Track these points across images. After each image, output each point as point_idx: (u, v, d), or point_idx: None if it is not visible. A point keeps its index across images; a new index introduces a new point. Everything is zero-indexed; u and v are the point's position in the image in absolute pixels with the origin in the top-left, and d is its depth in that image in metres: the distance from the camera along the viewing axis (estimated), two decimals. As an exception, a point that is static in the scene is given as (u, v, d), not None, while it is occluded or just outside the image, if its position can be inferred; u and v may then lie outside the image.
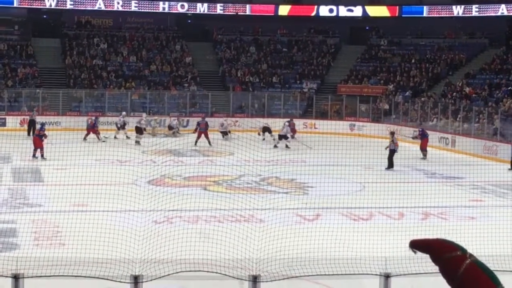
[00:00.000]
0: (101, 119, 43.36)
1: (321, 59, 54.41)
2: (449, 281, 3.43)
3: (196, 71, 52.43)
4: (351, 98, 47.21)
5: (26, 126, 40.74)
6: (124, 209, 16.30)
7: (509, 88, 43.74)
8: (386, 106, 46.02)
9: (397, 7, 54.67)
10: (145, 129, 39.25)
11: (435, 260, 3.48)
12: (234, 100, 48.81)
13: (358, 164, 26.42)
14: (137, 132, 37.79)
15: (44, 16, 55.95)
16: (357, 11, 55.27)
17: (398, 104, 45.20)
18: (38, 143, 30.09)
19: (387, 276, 10.76)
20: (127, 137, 38.65)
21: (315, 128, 43.31)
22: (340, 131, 37.72)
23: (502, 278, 12.24)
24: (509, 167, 29.75)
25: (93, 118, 39.01)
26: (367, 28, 57.55)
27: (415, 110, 43.62)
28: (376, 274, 11.03)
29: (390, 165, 28.77)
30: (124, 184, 19.75)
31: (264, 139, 38.22)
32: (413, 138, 35.26)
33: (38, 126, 34.25)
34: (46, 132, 30.86)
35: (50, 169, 25.22)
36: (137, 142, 36.55)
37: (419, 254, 4.32)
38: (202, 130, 37.45)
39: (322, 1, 55.48)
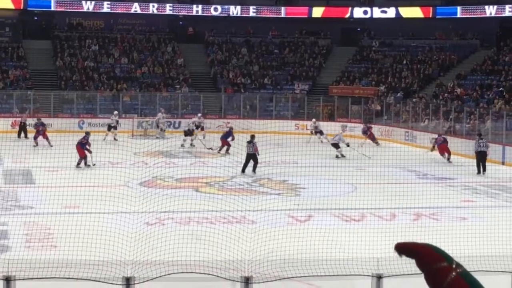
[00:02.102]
0: (93, 121, 43.35)
1: (313, 60, 54.45)
2: None
3: (188, 73, 52.40)
4: (342, 99, 47.24)
5: (17, 128, 40.57)
6: (116, 211, 16.27)
7: (500, 89, 43.87)
8: (378, 107, 46.08)
9: (431, 8, 54.35)
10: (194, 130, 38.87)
11: (420, 267, 3.43)
12: (226, 101, 48.79)
13: (350, 165, 26.44)
14: (186, 135, 37.46)
15: (35, 18, 55.83)
16: (391, 13, 55.04)
17: (390, 105, 45.26)
18: (81, 153, 28.69)
19: (379, 277, 10.78)
20: (115, 139, 38.26)
21: (307, 129, 43.29)
22: (332, 132, 37.73)
23: (494, 278, 12.27)
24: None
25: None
26: (358, 29, 57.62)
27: (406, 111, 43.68)
28: (368, 275, 11.05)
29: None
30: (115, 186, 19.72)
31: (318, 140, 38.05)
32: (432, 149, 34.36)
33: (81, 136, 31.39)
34: (90, 141, 29.59)
35: (41, 171, 25.15)
36: (192, 145, 36.98)
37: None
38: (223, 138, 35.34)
39: (356, 3, 55.63)
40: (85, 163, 28.71)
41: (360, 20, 56.65)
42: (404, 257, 3.81)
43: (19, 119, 41.43)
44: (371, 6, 55.24)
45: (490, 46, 52.02)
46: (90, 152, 28.59)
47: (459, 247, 13.01)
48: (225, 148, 33.83)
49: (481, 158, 29.01)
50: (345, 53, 55.29)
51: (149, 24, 56.41)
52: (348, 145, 32.99)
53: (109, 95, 48.17)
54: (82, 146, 28.77)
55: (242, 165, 27.57)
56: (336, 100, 47.40)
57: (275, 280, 11.65)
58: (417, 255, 3.41)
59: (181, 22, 57.22)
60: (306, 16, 56.24)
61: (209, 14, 55.50)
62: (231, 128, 35.21)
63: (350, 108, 46.38)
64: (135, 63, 52.71)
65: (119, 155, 28.35)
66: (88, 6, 54.01)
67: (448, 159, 32.55)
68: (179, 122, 45.13)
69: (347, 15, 55.94)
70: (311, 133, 40.10)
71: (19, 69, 50.13)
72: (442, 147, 33.06)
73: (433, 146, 33.93)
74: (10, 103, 46.21)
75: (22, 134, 39.40)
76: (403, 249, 3.47)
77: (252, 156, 27.59)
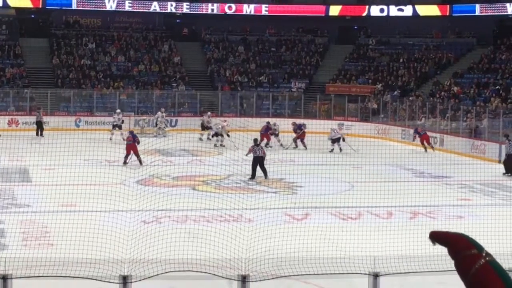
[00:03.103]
0: (90, 119, 43.33)
1: (310, 58, 54.46)
2: (462, 279, 3.42)
3: (185, 71, 52.39)
4: (339, 97, 47.26)
5: (35, 126, 40.36)
6: (112, 209, 16.26)
7: (497, 87, 43.92)
8: (375, 106, 46.10)
9: (448, 6, 54.01)
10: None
11: (452, 255, 3.47)
12: (223, 99, 48.78)
13: (346, 163, 26.44)
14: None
15: (32, 16, 55.78)
16: (408, 11, 54.77)
17: (387, 104, 45.28)
18: (131, 149, 28.85)
19: (376, 275, 10.79)
20: (124, 139, 37.74)
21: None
22: (329, 131, 37.72)
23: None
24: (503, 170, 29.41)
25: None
26: (355, 27, 57.63)
27: (403, 110, 43.70)
28: (365, 273, 11.05)
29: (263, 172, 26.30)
30: (112, 184, 19.71)
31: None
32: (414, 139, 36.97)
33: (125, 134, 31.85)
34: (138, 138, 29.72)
35: (38, 169, 25.13)
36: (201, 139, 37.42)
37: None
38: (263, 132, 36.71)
39: (373, 1, 55.37)
40: (140, 161, 28.60)
41: (357, 19, 56.64)
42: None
43: (34, 117, 41.31)
44: (387, 4, 54.97)
45: (487, 44, 52.06)
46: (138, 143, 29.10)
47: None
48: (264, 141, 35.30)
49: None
50: (342, 51, 55.30)
51: (146, 22, 56.41)
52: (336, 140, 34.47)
53: (106, 93, 48.07)
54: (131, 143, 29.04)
55: (251, 171, 25.77)
56: (333, 98, 47.42)
57: (272, 278, 11.66)
58: (449, 243, 3.44)
59: (178, 20, 57.19)
60: (324, 15, 56.20)
61: (206, 12, 55.42)
62: (268, 123, 37.32)
63: (347, 106, 46.39)
64: (132, 61, 52.68)
65: (116, 153, 28.38)
66: (110, 5, 54.06)
67: (425, 148, 34.40)
68: (176, 120, 45.14)
69: (364, 13, 55.64)
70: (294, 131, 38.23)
71: (16, 67, 50.07)
72: (424, 137, 35.77)
73: (414, 137, 36.47)
74: (7, 101, 46.19)
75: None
76: (437, 237, 3.51)
77: (259, 159, 25.99)
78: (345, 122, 42.97)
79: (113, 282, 10.89)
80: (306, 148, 35.33)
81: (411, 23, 54.60)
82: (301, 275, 11.85)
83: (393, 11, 55.10)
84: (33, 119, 41.72)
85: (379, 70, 51.84)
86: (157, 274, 11.31)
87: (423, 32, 54.75)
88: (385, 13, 55.24)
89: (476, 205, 22.00)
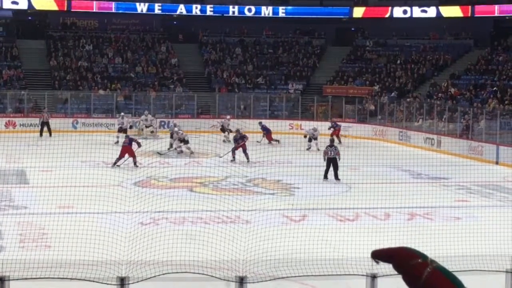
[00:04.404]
0: (87, 120, 43.28)
1: (307, 60, 54.47)
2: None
3: (182, 73, 52.36)
4: (336, 99, 47.28)
5: (35, 128, 40.72)
6: (110, 211, 16.26)
7: (494, 88, 43.93)
8: (372, 107, 46.11)
9: (469, 6, 53.48)
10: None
11: (397, 268, 3.51)
12: (220, 101, 48.77)
13: (344, 165, 26.45)
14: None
15: (29, 18, 55.73)
16: (431, 12, 54.44)
17: (384, 105, 45.30)
18: (127, 152, 28.87)
19: (373, 277, 10.79)
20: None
21: (301, 129, 43.30)
22: (327, 132, 37.78)
23: (487, 277, 12.27)
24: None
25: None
26: (352, 29, 57.65)
27: (400, 111, 43.74)
28: (363, 275, 11.05)
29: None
30: (110, 185, 19.70)
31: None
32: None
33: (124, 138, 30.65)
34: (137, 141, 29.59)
35: (35, 171, 25.12)
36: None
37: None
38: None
39: (396, 2, 55.07)
40: (135, 163, 28.59)
41: (354, 20, 56.65)
42: (381, 263, 3.84)
43: (39, 119, 41.42)
44: (411, 6, 54.72)
45: (484, 46, 52.07)
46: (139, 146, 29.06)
47: (453, 247, 13.05)
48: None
49: None
50: (339, 53, 55.32)
51: (143, 24, 56.40)
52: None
53: (103, 95, 48.02)
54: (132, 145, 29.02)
55: (324, 171, 26.29)
56: (330, 100, 47.45)
57: (270, 280, 11.66)
58: (393, 257, 3.48)
59: (175, 22, 57.18)
60: (348, 17, 56.16)
61: (203, 14, 55.41)
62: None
63: (344, 108, 46.42)
64: (129, 63, 52.65)
65: (114, 156, 28.39)
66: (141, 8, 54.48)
67: (339, 141, 36.48)
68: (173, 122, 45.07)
69: (387, 15, 55.31)
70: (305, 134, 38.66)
71: (13, 69, 50.01)
72: (338, 131, 38.65)
73: (330, 127, 39.12)
74: (4, 103, 46.16)
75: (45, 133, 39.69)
76: (379, 255, 3.54)
77: (333, 160, 26.29)
78: (343, 124, 43.00)
79: (110, 284, 10.88)
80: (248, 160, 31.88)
81: (408, 24, 54.54)
82: (299, 276, 11.85)
83: (416, 12, 54.62)
84: (31, 121, 41.82)
85: (376, 72, 51.86)
86: (155, 276, 11.31)
87: (420, 33, 54.77)
88: (408, 15, 54.77)
89: (473, 207, 22.03)
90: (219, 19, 55.55)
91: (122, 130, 37.70)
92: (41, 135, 39.34)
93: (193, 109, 47.22)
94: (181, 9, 54.95)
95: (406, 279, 3.47)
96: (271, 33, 56.88)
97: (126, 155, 28.77)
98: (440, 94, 45.63)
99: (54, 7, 53.49)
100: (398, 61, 52.57)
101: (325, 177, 26.11)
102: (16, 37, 53.63)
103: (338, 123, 40.52)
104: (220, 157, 30.90)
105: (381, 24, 55.08)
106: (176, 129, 35.55)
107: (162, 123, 44.85)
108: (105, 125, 43.52)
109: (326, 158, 26.53)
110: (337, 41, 57.47)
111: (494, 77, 46.24)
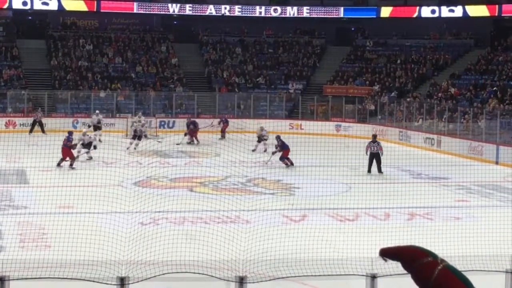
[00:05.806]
0: (87, 120, 43.20)
1: (307, 60, 54.47)
2: (422, 287, 3.46)
3: (182, 72, 52.36)
4: (337, 98, 47.28)
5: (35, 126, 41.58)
6: (110, 210, 16.27)
7: (494, 88, 43.91)
8: (372, 107, 46.11)
9: (496, 6, 52.79)
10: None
11: (406, 267, 3.49)
12: (220, 101, 48.76)
13: (344, 165, 26.44)
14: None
15: (29, 18, 55.72)
16: (458, 11, 53.87)
17: (384, 105, 45.30)
18: (66, 154, 28.32)
19: (373, 277, 10.79)
20: (100, 141, 36.22)
21: (301, 129, 43.33)
22: (326, 132, 37.79)
23: (487, 278, 12.27)
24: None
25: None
26: (352, 29, 57.64)
27: (400, 111, 43.74)
28: (363, 275, 11.05)
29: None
30: (110, 185, 19.69)
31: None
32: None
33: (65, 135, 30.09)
34: (74, 142, 29.22)
35: (35, 170, 25.12)
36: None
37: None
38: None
39: (425, 2, 54.68)
40: (71, 165, 28.23)
41: (354, 20, 56.64)
42: (389, 261, 3.83)
43: (32, 118, 42.28)
44: (439, 5, 54.44)
45: (484, 45, 52.06)
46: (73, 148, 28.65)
47: (453, 247, 13.04)
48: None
49: None
50: (339, 52, 55.30)
51: (143, 24, 56.37)
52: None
53: (101, 96, 48.01)
54: (68, 148, 28.52)
55: (367, 166, 28.02)
56: (330, 99, 47.44)
57: (270, 280, 11.65)
58: (402, 256, 3.47)
59: (175, 22, 57.16)
60: (375, 17, 55.97)
61: (204, 13, 55.40)
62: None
63: (344, 107, 46.42)
64: (129, 62, 52.64)
65: (113, 155, 28.38)
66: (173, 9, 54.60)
67: (223, 137, 39.03)
68: (173, 122, 45.11)
69: (415, 15, 54.98)
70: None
71: (13, 68, 50.01)
72: (225, 126, 40.35)
73: (219, 123, 40.98)
74: (4, 102, 46.16)
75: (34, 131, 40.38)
76: (388, 253, 3.53)
77: (375, 155, 28.06)
78: (343, 123, 42.99)
79: (110, 284, 10.87)
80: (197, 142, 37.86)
81: (408, 24, 54.51)
82: (299, 276, 11.83)
83: (445, 12, 54.22)
84: (31, 120, 41.93)
85: (376, 72, 51.85)
86: (155, 276, 11.30)
87: (420, 33, 54.74)
88: (436, 14, 54.45)
89: (473, 207, 22.04)
90: (219, 19, 55.54)
91: (96, 128, 38.91)
92: (30, 132, 40.30)
93: (193, 109, 47.21)
94: (181, 9, 54.91)
95: (415, 278, 3.45)
96: (271, 32, 56.87)
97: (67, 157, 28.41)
98: (440, 94, 45.61)
99: (83, 8, 53.74)
100: (398, 61, 52.57)
101: (369, 171, 27.80)
102: (16, 37, 53.60)
103: (228, 119, 42.23)
104: (266, 163, 29.69)
105: (381, 23, 55.02)
106: (138, 124, 36.71)
107: (162, 123, 44.85)
108: (105, 124, 43.49)
109: (369, 153, 28.10)
110: (337, 41, 57.45)
111: (494, 77, 46.22)
